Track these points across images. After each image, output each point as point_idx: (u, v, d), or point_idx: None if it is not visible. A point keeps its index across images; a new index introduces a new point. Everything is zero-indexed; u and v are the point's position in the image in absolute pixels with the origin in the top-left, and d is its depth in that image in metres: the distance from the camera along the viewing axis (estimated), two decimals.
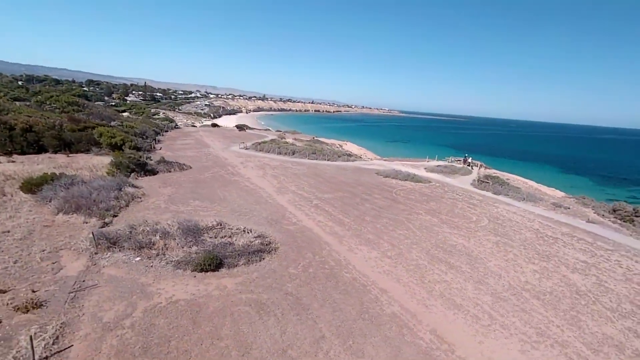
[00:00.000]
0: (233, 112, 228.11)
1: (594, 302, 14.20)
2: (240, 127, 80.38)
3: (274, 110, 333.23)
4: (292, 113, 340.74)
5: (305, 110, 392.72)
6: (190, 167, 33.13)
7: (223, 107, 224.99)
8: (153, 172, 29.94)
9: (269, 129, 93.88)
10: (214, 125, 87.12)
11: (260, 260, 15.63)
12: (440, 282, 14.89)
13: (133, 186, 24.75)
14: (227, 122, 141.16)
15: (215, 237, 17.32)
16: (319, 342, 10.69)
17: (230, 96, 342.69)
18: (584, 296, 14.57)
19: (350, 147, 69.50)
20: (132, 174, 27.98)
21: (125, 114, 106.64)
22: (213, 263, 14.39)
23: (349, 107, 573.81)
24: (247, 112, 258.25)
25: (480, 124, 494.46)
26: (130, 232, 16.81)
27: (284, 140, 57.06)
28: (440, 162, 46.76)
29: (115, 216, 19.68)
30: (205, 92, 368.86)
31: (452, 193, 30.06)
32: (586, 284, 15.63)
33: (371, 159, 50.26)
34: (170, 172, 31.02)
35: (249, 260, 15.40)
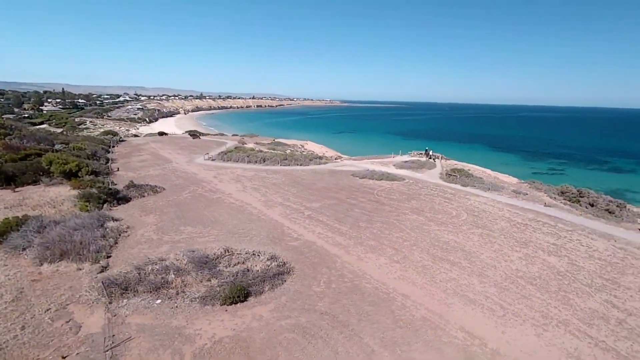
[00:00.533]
0: (170, 114, 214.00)
1: (574, 280, 16.83)
2: (194, 134, 77.08)
3: (214, 108, 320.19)
4: (233, 111, 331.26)
5: (247, 107, 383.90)
6: (164, 189, 31.63)
7: (158, 110, 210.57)
8: (126, 200, 28.16)
9: (223, 134, 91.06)
10: (162, 133, 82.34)
11: (282, 283, 15.99)
12: (449, 280, 16.51)
13: (113, 219, 23.21)
14: (167, 126, 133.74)
15: (230, 266, 17.25)
16: (371, 357, 11.55)
17: (164, 97, 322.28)
18: (565, 276, 17.16)
19: (312, 146, 70.48)
20: (105, 205, 26.09)
21: (43, 125, 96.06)
22: (241, 294, 14.48)
23: (290, 100, 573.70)
24: (185, 113, 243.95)
25: (418, 109, 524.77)
26: (139, 273, 16.09)
27: (249, 147, 56.16)
28: (406, 157, 49.69)
29: (109, 257, 18.54)
30: (135, 94, 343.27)
31: (427, 189, 32.45)
32: (562, 265, 18.35)
33: (339, 159, 51.70)
34: (144, 196, 29.40)
35: (272, 285, 15.69)
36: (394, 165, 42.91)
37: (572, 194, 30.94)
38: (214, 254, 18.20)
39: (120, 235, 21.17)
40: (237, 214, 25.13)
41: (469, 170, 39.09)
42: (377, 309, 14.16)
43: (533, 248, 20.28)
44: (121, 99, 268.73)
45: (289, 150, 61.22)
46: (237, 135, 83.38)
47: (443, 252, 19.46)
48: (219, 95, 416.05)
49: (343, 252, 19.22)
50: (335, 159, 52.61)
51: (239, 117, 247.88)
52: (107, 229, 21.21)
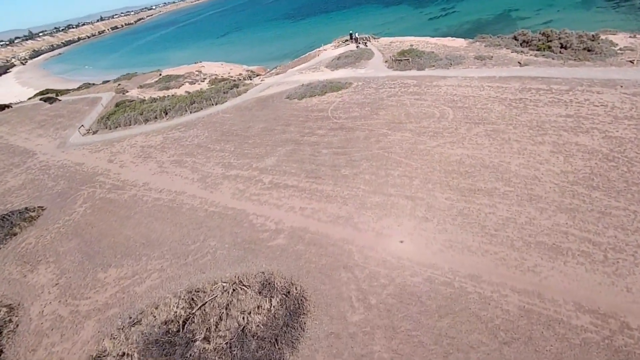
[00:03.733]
0: (4, 71, 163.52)
1: (629, 162, 13.78)
2: (49, 98, 57.19)
3: (58, 46, 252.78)
4: (85, 42, 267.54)
5: (99, 33, 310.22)
6: (42, 209, 21.41)
7: None
8: None
9: (90, 83, 69.54)
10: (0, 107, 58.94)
11: (303, 331, 10.47)
12: (505, 221, 12.40)
13: None
14: (7, 89, 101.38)
15: (210, 333, 10.93)
16: None
17: None
18: (616, 160, 14.04)
19: (210, 68, 57.01)
20: None
21: None
22: None
23: (149, 10, 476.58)
24: (23, 63, 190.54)
25: None
26: None
27: (134, 96, 42.31)
28: (330, 50, 41.32)
29: None
30: None
31: (384, 88, 26.53)
32: (599, 143, 15.22)
33: (257, 77, 41.67)
34: (15, 234, 19.42)
35: (292, 343, 10.11)
36: (325, 66, 35.14)
37: (539, 40, 27.58)
38: (174, 318, 11.50)
39: (1, 334, 12.87)
40: (173, 217, 17.41)
41: (412, 45, 33.23)
42: (470, 326, 9.63)
43: (553, 131, 16.79)
44: None
45: (188, 84, 48.43)
46: (108, 81, 64.04)
47: (465, 178, 15.01)
48: (56, 28, 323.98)
49: (350, 231, 13.78)
50: (249, 78, 42.46)
51: (96, 50, 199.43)
52: None
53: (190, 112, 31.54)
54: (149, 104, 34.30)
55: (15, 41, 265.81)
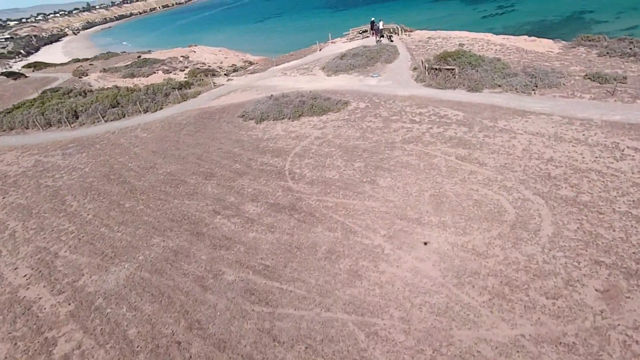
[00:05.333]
0: (56, 39, 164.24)
1: None
2: (13, 73, 48.80)
3: (111, 20, 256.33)
4: (136, 18, 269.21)
5: (150, 10, 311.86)
6: None
7: (35, 36, 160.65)
8: None
9: (114, 52, 60.71)
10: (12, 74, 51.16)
11: None
12: None
13: None
14: (54, 56, 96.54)
15: None
16: None
17: (40, 17, 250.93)
18: None
19: (202, 52, 46.33)
20: None
21: None
22: None
23: None
24: (75, 34, 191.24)
25: None
26: None
27: (81, 81, 32.10)
28: (340, 44, 29.25)
29: None
30: (0, 20, 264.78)
31: (400, 122, 14.37)
32: None
33: (240, 70, 30.48)
34: None
35: None
36: (321, 68, 23.13)
37: None
38: None
39: None
40: None
41: (462, 44, 20.58)
42: None
43: None
44: None
45: (162, 72, 37.94)
46: (94, 58, 54.77)
47: None
48: (112, 2, 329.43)
49: None
50: (230, 73, 31.23)
51: (141, 26, 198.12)
52: None
53: (105, 121, 20.78)
54: (62, 100, 23.86)
55: (74, 12, 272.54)
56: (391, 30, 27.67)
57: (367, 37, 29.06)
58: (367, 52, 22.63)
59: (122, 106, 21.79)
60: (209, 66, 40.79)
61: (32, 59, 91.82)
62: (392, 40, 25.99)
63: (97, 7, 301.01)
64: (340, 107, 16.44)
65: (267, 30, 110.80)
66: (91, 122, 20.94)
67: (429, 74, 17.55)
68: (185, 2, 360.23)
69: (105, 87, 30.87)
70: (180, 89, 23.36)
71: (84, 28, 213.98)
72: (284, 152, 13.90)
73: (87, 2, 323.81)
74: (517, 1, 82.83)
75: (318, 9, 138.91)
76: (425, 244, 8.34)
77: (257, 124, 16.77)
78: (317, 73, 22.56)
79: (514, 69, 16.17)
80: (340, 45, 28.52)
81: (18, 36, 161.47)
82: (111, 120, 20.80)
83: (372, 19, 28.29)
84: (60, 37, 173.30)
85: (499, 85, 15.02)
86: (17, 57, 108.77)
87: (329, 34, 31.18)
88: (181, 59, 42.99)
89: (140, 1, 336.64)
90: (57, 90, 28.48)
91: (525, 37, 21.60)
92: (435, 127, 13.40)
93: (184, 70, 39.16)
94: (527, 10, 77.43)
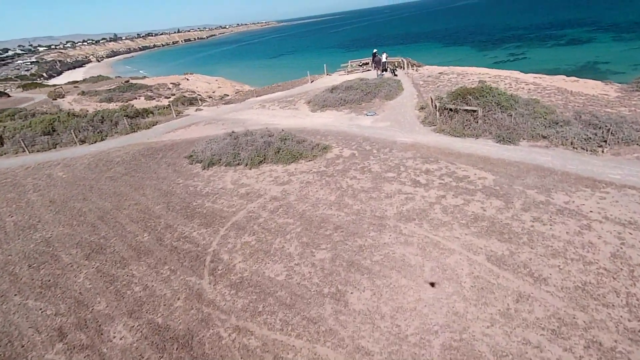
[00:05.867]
0: (79, 65, 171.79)
1: None
2: None
3: (134, 50, 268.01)
4: (158, 49, 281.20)
5: (173, 43, 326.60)
6: None
7: (60, 61, 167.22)
8: None
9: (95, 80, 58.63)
10: None
11: None
12: None
13: None
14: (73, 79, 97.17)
15: None
16: None
17: (69, 45, 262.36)
18: None
19: (195, 81, 43.32)
20: None
21: None
22: None
23: (223, 28, 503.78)
24: (99, 61, 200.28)
25: (355, 17, 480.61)
26: None
27: (54, 103, 28.61)
28: (336, 77, 25.47)
29: None
30: (31, 45, 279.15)
31: (396, 183, 9.77)
32: None
33: (206, 104, 26.68)
34: None
35: None
36: (307, 102, 18.88)
37: None
38: None
39: None
40: None
41: (484, 81, 16.11)
42: None
43: None
44: (10, 53, 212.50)
45: (144, 98, 34.62)
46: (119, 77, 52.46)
47: None
48: (138, 34, 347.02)
49: None
50: (221, 98, 27.46)
51: (161, 57, 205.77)
52: None
53: (30, 151, 16.51)
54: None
55: (101, 41, 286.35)
56: (396, 64, 23.84)
57: (369, 70, 25.28)
58: (363, 86, 18.46)
59: (58, 133, 17.64)
60: (198, 94, 37.49)
61: (53, 82, 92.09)
62: (396, 75, 22.03)
63: (123, 38, 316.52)
64: (317, 153, 11.91)
65: (278, 65, 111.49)
66: (14, 151, 16.70)
67: (440, 115, 13.07)
68: (207, 37, 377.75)
69: (71, 110, 27.21)
70: (135, 117, 19.30)
71: (108, 56, 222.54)
72: (220, 218, 9.19)
73: (115, 34, 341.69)
74: (528, 49, 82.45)
75: (331, 48, 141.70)
76: None
77: (203, 169, 12.24)
78: (301, 107, 18.37)
79: (562, 114, 11.62)
80: (335, 78, 24.71)
81: (44, 60, 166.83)
82: (37, 151, 16.54)
83: (375, 50, 24.67)
84: (84, 63, 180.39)
85: (544, 137, 10.42)
86: (39, 79, 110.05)
87: (324, 65, 27.50)
88: (170, 86, 39.90)
89: (164, 34, 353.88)
90: (3, 111, 24.70)
91: (564, 76, 17.32)
92: (450, 196, 8.65)
93: (169, 97, 35.83)
94: (539, 59, 76.22)
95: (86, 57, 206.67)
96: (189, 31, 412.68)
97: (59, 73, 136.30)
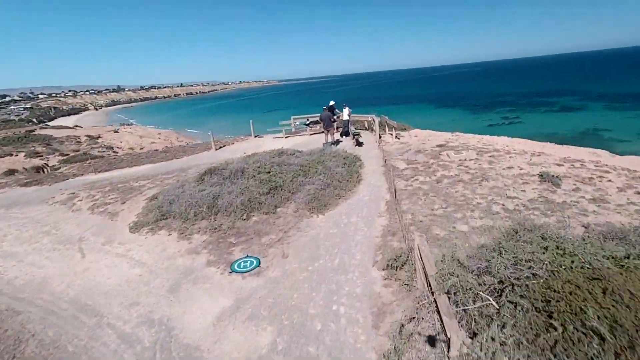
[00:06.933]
0: (74, 112, 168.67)
1: None
2: None
3: (135, 101, 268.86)
4: (160, 101, 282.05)
5: (175, 95, 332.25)
6: None
7: (55, 108, 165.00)
8: None
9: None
10: None
11: None
12: None
13: None
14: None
15: None
16: None
17: (70, 93, 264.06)
18: None
19: (124, 134, 33.89)
20: None
21: None
22: None
23: (225, 84, 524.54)
24: (96, 109, 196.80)
25: (350, 79, 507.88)
26: None
27: None
28: (269, 139, 15.27)
29: None
30: (31, 93, 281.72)
31: None
32: None
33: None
34: None
35: None
36: (147, 202, 8.38)
37: None
38: None
39: None
40: None
41: (489, 151, 6.04)
42: None
43: None
44: (7, 99, 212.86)
45: (23, 155, 24.70)
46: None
47: None
48: (141, 86, 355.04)
49: None
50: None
51: (158, 108, 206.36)
52: None
53: None
54: None
55: (103, 91, 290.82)
56: (366, 125, 14.09)
57: (322, 132, 15.47)
58: (279, 167, 8.26)
59: None
60: (115, 151, 27.78)
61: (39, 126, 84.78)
62: (360, 144, 12.17)
63: (126, 89, 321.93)
64: None
65: (269, 119, 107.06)
66: None
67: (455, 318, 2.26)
68: (208, 92, 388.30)
69: None
70: None
71: (107, 105, 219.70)
72: None
73: (118, 85, 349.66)
74: (522, 113, 79.88)
75: (321, 106, 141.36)
76: None
77: None
78: (120, 217, 7.97)
79: None
80: (266, 142, 14.83)
81: (39, 107, 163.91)
82: None
83: (332, 102, 15.25)
84: (81, 111, 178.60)
85: None
86: (27, 124, 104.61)
87: (250, 122, 17.71)
88: (85, 138, 30.29)
89: (167, 88, 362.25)
90: None
91: (589, 148, 7.73)
92: None
93: (67, 154, 25.97)
94: (534, 122, 70.72)
95: (84, 105, 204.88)
96: (191, 85, 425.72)
97: (51, 119, 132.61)
